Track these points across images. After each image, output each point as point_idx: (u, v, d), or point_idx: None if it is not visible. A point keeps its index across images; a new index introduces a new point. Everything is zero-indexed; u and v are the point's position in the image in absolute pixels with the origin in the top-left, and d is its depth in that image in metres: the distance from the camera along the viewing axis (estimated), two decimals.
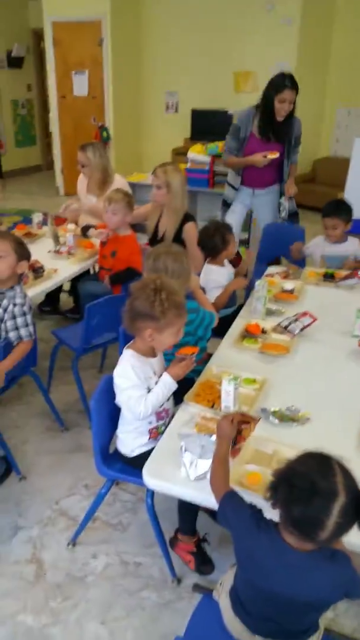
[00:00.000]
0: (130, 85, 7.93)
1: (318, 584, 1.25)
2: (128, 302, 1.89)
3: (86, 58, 7.62)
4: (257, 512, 1.36)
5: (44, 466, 2.71)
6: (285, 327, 2.56)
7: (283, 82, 3.62)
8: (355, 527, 1.20)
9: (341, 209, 3.43)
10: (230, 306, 3.17)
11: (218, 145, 5.07)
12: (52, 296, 4.25)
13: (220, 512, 1.43)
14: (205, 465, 1.62)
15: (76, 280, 3.79)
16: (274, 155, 3.71)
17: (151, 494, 2.01)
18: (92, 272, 3.78)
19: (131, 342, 2.00)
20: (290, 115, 3.76)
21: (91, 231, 3.57)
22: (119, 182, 4.01)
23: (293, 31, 6.80)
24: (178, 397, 2.05)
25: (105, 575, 2.13)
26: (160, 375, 1.95)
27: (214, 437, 1.68)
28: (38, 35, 8.92)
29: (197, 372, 2.22)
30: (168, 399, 1.99)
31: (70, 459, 2.76)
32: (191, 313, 2.30)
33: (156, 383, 1.93)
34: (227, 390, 1.93)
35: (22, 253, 2.54)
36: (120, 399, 1.94)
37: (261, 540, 1.29)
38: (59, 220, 4.00)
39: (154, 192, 3.43)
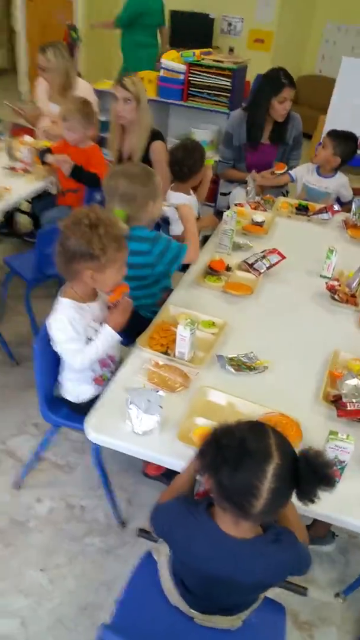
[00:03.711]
0: None
1: (262, 569, 1.17)
2: (59, 243, 1.64)
3: None
4: (184, 499, 1.28)
5: None
6: (251, 265, 2.40)
7: (280, 80, 3.26)
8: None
9: (341, 136, 3.13)
10: None
11: (195, 52, 4.60)
12: (8, 217, 3.96)
13: (152, 522, 1.31)
14: (150, 421, 1.50)
15: (36, 200, 3.50)
16: (281, 170, 3.37)
17: None
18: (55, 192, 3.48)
19: (64, 286, 1.76)
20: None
21: (48, 157, 3.13)
22: (83, 87, 3.65)
23: None
24: (132, 337, 1.89)
25: (49, 520, 2.07)
26: (102, 321, 1.78)
27: (161, 392, 1.54)
28: None
29: (155, 312, 2.05)
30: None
31: (20, 395, 2.62)
32: (144, 242, 2.10)
33: (97, 331, 1.75)
34: (183, 336, 1.78)
35: None
36: (56, 350, 1.77)
37: (194, 527, 1.19)
38: (17, 131, 3.63)
39: (120, 107, 3.03)
